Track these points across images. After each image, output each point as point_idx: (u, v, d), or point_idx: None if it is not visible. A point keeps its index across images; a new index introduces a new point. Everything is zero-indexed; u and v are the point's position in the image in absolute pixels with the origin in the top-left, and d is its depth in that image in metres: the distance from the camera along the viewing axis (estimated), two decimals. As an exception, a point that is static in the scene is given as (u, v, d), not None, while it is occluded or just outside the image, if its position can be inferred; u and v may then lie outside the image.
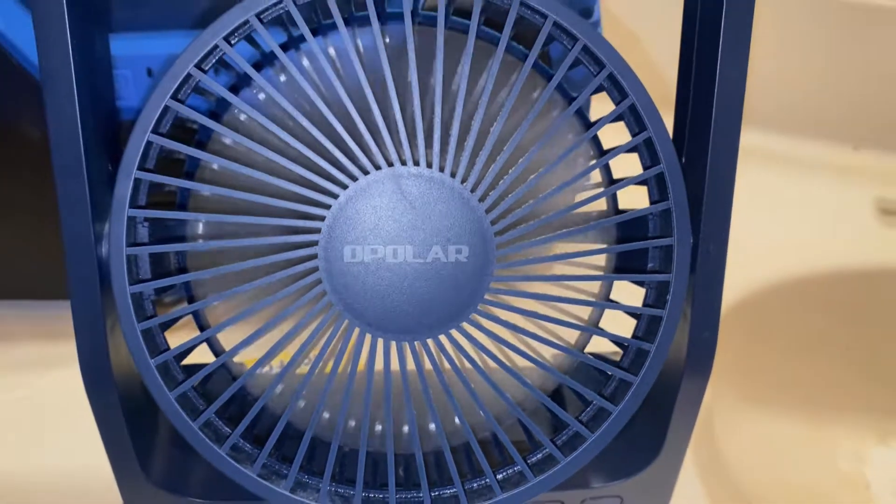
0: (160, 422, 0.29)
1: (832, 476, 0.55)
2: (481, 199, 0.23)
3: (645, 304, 0.26)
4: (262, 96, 0.25)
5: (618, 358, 0.27)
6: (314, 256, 0.23)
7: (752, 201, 0.58)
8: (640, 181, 0.25)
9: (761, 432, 0.53)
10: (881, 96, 0.60)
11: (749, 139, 0.66)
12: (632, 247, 0.25)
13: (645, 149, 0.25)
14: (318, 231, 0.23)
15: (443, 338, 0.24)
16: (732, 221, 0.56)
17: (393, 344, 0.24)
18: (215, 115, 0.25)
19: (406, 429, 0.27)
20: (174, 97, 0.23)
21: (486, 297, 0.24)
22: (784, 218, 0.57)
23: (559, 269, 0.25)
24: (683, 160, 0.26)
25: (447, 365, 0.25)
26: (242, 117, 0.25)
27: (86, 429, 0.38)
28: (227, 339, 0.27)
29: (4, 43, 0.34)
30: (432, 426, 0.27)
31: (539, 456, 0.26)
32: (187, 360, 0.26)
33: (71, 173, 0.23)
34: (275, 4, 0.23)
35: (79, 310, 0.24)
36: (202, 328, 0.27)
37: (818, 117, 0.63)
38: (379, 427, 0.27)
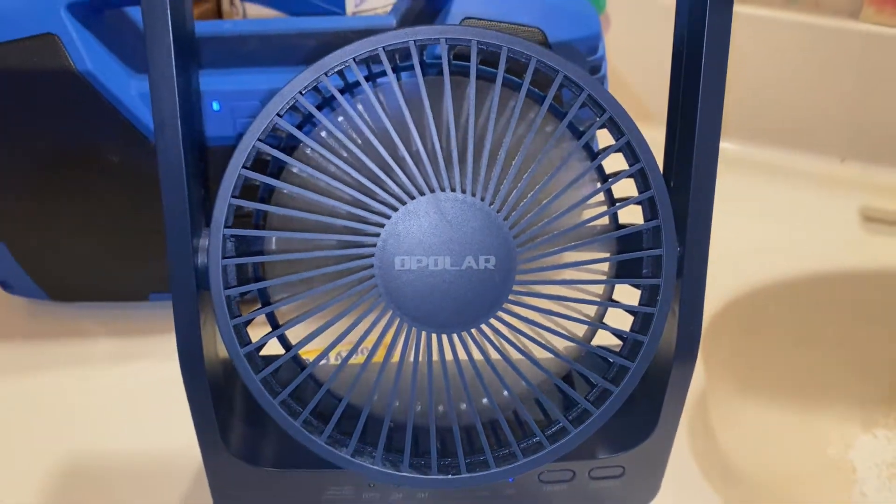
0: (235, 404, 0.35)
1: (821, 461, 0.60)
2: (505, 219, 0.29)
3: (640, 304, 0.31)
4: (324, 134, 0.31)
5: (618, 349, 0.32)
6: (371, 266, 0.29)
7: (748, 209, 0.64)
8: (635, 202, 0.30)
9: (755, 421, 0.58)
10: (866, 114, 0.65)
11: (746, 153, 0.72)
12: (629, 256, 0.30)
13: (639, 176, 0.30)
14: (374, 245, 0.29)
15: (474, 331, 0.30)
16: (724, 228, 0.61)
17: (434, 336, 0.30)
18: (289, 148, 0.31)
19: (441, 408, 0.33)
20: (260, 139, 0.28)
21: (510, 297, 0.29)
22: (776, 224, 0.62)
23: (570, 274, 0.31)
24: (671, 185, 0.32)
25: (478, 354, 0.30)
26: (308, 151, 0.31)
27: (157, 414, 0.43)
28: (293, 334, 0.33)
29: (96, 84, 0.40)
30: (464, 406, 0.32)
31: (553, 429, 0.32)
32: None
33: (176, 197, 0.28)
34: (340, 63, 0.28)
35: (179, 309, 0.30)
36: (274, 326, 0.33)
37: (808, 133, 0.68)
38: (419, 407, 0.33)
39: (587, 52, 0.44)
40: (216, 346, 0.33)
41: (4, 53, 0.39)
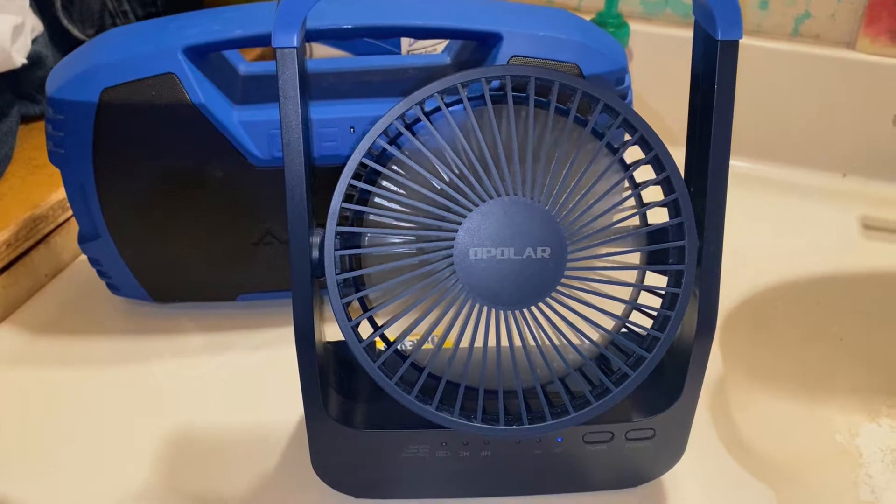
0: (330, 377, 0.42)
1: (829, 447, 0.66)
2: (558, 218, 0.36)
3: (668, 286, 0.38)
4: (407, 153, 0.38)
5: (650, 325, 0.40)
6: (451, 255, 0.36)
7: (761, 219, 0.70)
8: (662, 204, 0.37)
9: (767, 408, 0.65)
10: (866, 132, 0.72)
11: (759, 170, 0.79)
12: (658, 247, 0.37)
13: (665, 183, 0.37)
14: (453, 239, 0.36)
15: (534, 309, 0.37)
16: (740, 235, 0.69)
17: (501, 313, 0.37)
18: (385, 158, 0.38)
19: (511, 376, 0.40)
20: (365, 156, 0.36)
21: (562, 281, 0.37)
22: (783, 233, 0.68)
23: (610, 263, 0.38)
24: (691, 190, 0.39)
25: (537, 328, 0.37)
26: (395, 167, 0.38)
27: (246, 395, 0.51)
28: (383, 317, 0.40)
29: (206, 112, 0.47)
30: (530, 373, 0.39)
31: (598, 391, 0.39)
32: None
33: (299, 205, 0.36)
34: (427, 95, 0.36)
35: (298, 295, 0.37)
36: (365, 309, 0.40)
37: (813, 151, 0.75)
38: (490, 374, 0.40)
39: (615, 83, 0.52)
40: (321, 331, 0.40)
41: (133, 90, 0.47)
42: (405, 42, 0.65)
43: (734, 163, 0.71)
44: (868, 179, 0.73)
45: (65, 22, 0.67)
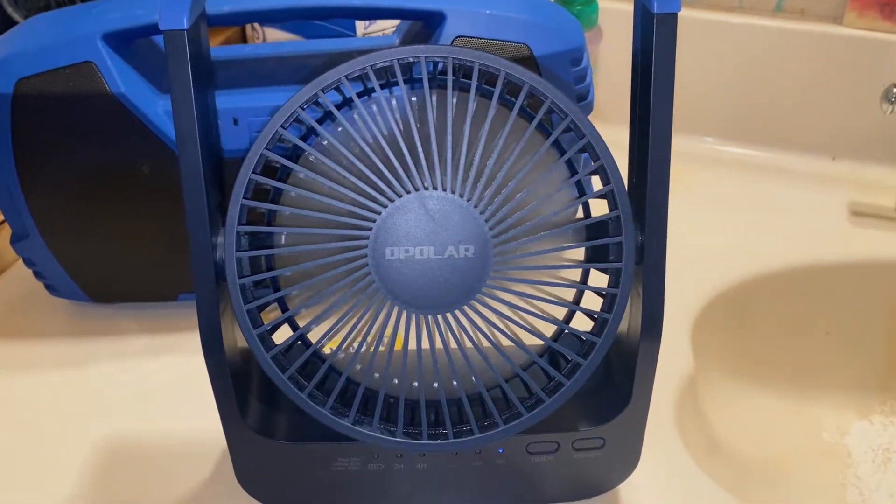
0: (252, 385, 0.39)
1: (815, 445, 0.63)
2: (481, 212, 0.33)
3: (608, 286, 0.35)
4: (325, 143, 0.35)
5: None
6: (365, 255, 0.33)
7: (741, 205, 0.67)
8: (597, 196, 0.34)
9: (747, 407, 0.61)
10: (857, 115, 0.68)
11: (743, 155, 0.75)
12: (591, 244, 0.34)
13: (602, 173, 0.34)
14: (367, 238, 0.33)
15: (458, 313, 0.34)
16: (719, 223, 0.64)
17: (421, 317, 0.34)
18: (292, 157, 0.35)
19: (435, 384, 0.37)
20: (266, 148, 0.33)
21: (488, 282, 0.33)
22: (766, 220, 0.65)
23: (542, 261, 0.34)
24: (634, 181, 0.35)
25: (462, 334, 0.34)
26: (311, 158, 0.35)
27: (186, 401, 0.48)
28: (304, 321, 0.37)
29: (126, 103, 0.45)
30: (454, 382, 0.36)
31: (531, 401, 0.36)
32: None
33: (196, 201, 0.33)
34: (334, 81, 0.33)
35: (201, 298, 0.34)
36: (291, 323, 0.37)
37: (799, 131, 0.71)
38: (415, 384, 0.37)
39: (571, 64, 0.48)
40: (235, 336, 0.37)
41: (49, 81, 0.44)
42: (360, 25, 0.62)
43: (712, 146, 0.68)
44: (858, 163, 0.69)
45: (9, 9, 0.64)
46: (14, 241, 0.51)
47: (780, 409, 0.63)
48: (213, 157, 0.34)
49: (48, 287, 0.54)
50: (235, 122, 0.46)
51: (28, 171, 0.47)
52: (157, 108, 0.45)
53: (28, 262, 0.52)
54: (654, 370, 0.37)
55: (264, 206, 0.33)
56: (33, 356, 0.53)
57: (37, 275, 0.53)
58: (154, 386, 0.50)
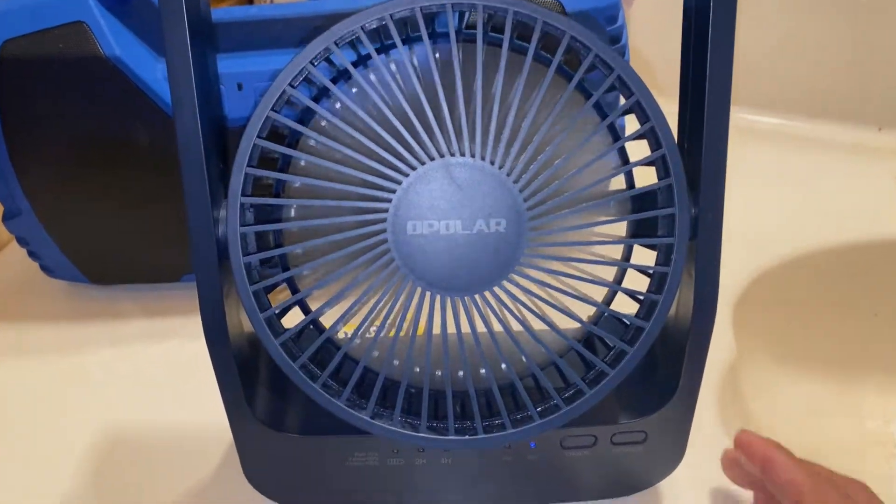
0: (260, 374, 0.36)
1: (859, 434, 0.59)
2: (515, 181, 0.29)
3: (656, 264, 0.31)
4: (338, 105, 0.32)
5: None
6: (384, 231, 0.29)
7: (778, 180, 0.63)
8: (646, 163, 0.30)
9: (789, 393, 0.57)
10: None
11: (784, 126, 0.70)
12: (640, 216, 0.30)
13: (651, 136, 0.30)
14: (386, 210, 0.29)
15: (488, 294, 0.30)
16: (759, 199, 0.60)
17: (448, 300, 0.30)
18: (302, 122, 0.31)
19: (461, 373, 0.33)
20: (273, 109, 0.29)
21: (522, 260, 0.30)
22: (808, 195, 0.61)
23: (582, 236, 0.31)
24: (685, 147, 0.32)
25: (493, 318, 0.31)
26: (324, 123, 0.32)
27: (189, 389, 0.45)
28: (316, 303, 0.33)
29: (122, 66, 0.41)
30: (483, 371, 0.33)
31: (569, 393, 0.32)
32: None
33: (195, 171, 0.29)
34: (349, 33, 0.29)
35: (202, 279, 0.31)
36: (304, 308, 0.33)
37: (843, 101, 0.66)
38: (439, 372, 0.33)
39: (606, 22, 0.44)
40: (241, 320, 0.34)
41: (37, 42, 0.40)
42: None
43: (752, 118, 0.63)
44: (907, 133, 0.65)
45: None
46: (6, 218, 0.47)
47: (822, 395, 0.59)
48: (213, 124, 0.31)
49: (44, 268, 0.51)
50: (240, 87, 0.42)
51: (18, 141, 0.43)
52: (155, 73, 0.42)
53: (21, 241, 0.49)
54: (705, 358, 0.33)
55: (271, 174, 0.30)
56: (28, 341, 0.50)
57: (31, 255, 0.50)
58: (155, 372, 0.47)
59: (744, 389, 0.51)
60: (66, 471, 0.41)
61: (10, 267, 0.55)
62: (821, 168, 0.64)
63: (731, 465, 0.38)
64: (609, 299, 0.33)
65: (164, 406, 0.45)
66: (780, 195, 0.61)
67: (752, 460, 0.36)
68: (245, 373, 0.34)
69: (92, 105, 0.42)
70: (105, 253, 0.49)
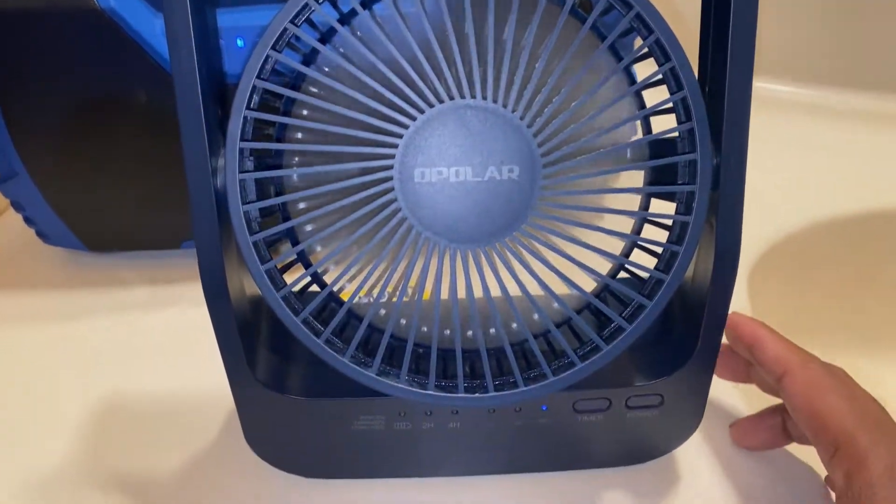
0: (262, 335, 0.35)
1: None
2: (529, 125, 0.28)
3: (676, 213, 0.30)
4: (342, 50, 0.30)
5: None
6: (390, 178, 0.28)
7: (803, 146, 0.61)
8: (666, 105, 0.29)
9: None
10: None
11: (798, 93, 0.68)
12: (660, 162, 0.29)
13: (672, 78, 0.29)
14: (392, 157, 0.28)
15: (499, 245, 0.29)
16: (783, 164, 0.58)
17: (456, 251, 0.29)
18: (306, 63, 0.30)
19: (470, 332, 0.32)
20: (274, 48, 0.27)
21: (536, 209, 0.28)
22: (832, 160, 0.59)
23: (599, 185, 0.29)
24: (706, 90, 0.30)
25: (504, 271, 0.29)
26: (325, 68, 0.30)
27: (190, 357, 0.43)
28: (318, 258, 0.32)
29: (118, 19, 0.39)
30: (493, 330, 0.31)
31: (585, 350, 0.31)
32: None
33: (192, 116, 0.28)
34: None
35: (201, 233, 0.29)
36: (306, 263, 0.32)
37: (869, 70, 0.64)
38: (448, 331, 0.32)
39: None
40: (242, 280, 0.32)
41: (28, -7, 0.39)
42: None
43: (773, 87, 0.61)
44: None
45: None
46: (0, 181, 0.46)
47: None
48: (213, 78, 0.29)
49: (40, 234, 0.49)
50: (240, 42, 0.41)
51: (10, 100, 0.42)
52: (153, 28, 0.40)
53: (17, 206, 0.47)
54: (726, 316, 0.32)
55: (272, 117, 0.28)
56: (25, 309, 0.48)
57: (27, 220, 0.48)
58: (155, 341, 0.46)
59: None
60: (62, 440, 0.40)
61: (6, 234, 0.54)
62: (842, 135, 0.62)
63: (721, 359, 0.37)
64: (626, 252, 0.32)
65: (164, 374, 0.44)
66: (797, 163, 0.59)
67: (741, 339, 0.36)
68: (246, 333, 0.32)
69: (86, 61, 0.41)
70: (103, 219, 0.48)
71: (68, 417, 0.41)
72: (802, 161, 0.59)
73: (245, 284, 0.33)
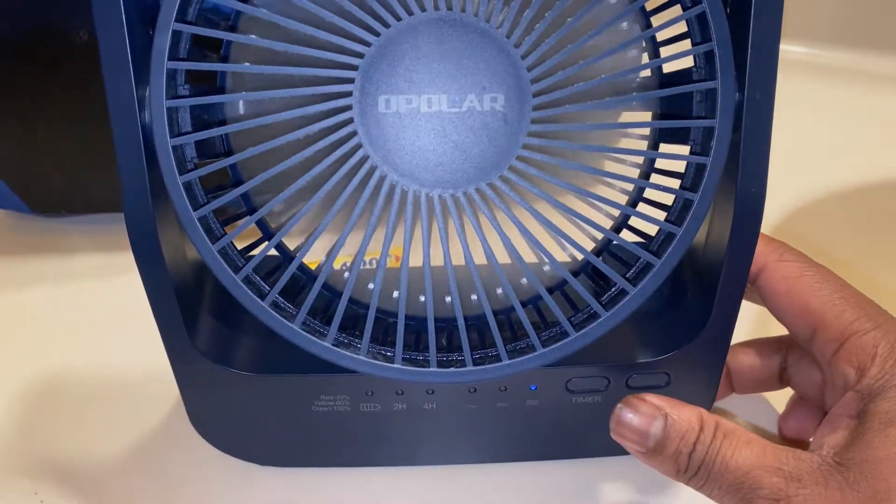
0: (206, 300, 0.30)
1: None
2: (517, 45, 0.23)
3: (691, 154, 0.25)
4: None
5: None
6: (349, 108, 0.23)
7: (821, 112, 0.56)
8: (676, 38, 0.24)
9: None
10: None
11: (810, 54, 0.63)
12: (672, 91, 0.24)
13: (688, -3, 0.24)
14: (351, 81, 0.23)
15: (479, 191, 0.24)
16: (802, 130, 0.53)
17: (427, 197, 0.24)
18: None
19: (448, 299, 0.27)
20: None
21: (524, 146, 0.24)
22: (851, 127, 0.55)
23: (599, 118, 0.25)
24: (728, 10, 0.25)
25: (487, 222, 0.24)
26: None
27: (142, 331, 0.39)
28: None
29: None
30: (474, 296, 0.27)
31: (582, 317, 0.26)
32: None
33: (111, 33, 0.23)
34: None
35: (127, 178, 0.24)
36: (251, 211, 0.27)
37: (882, 28, 0.60)
38: (422, 298, 0.27)
39: None
40: (183, 242, 0.28)
41: None
42: None
43: (790, 48, 0.55)
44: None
45: None
46: (-69, 134, 0.41)
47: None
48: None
49: (-21, 195, 0.45)
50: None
51: (-66, 38, 0.37)
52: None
53: (-49, 163, 0.42)
54: (745, 282, 0.27)
55: (205, 31, 0.23)
56: (-39, 276, 0.44)
57: (-37, 179, 0.44)
58: (105, 312, 0.42)
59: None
60: (-7, 420, 0.35)
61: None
62: (864, 100, 0.58)
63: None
64: (630, 205, 0.27)
65: (111, 349, 0.39)
66: (814, 129, 0.54)
67: None
68: (186, 298, 0.28)
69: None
70: (48, 177, 0.43)
71: (4, 394, 0.36)
72: (820, 126, 0.55)
73: (187, 248, 0.28)
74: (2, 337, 0.40)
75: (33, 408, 0.36)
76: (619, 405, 0.27)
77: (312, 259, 0.27)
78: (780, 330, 0.32)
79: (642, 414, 0.27)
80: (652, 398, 0.27)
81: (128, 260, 0.44)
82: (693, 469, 0.26)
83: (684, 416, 0.26)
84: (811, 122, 0.55)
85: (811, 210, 0.49)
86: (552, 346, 0.25)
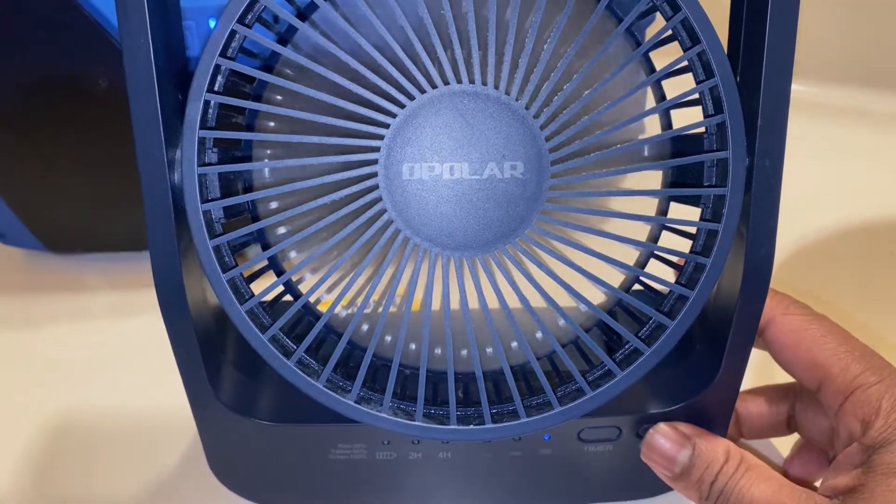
0: (228, 352, 0.31)
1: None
2: (536, 116, 0.24)
3: (701, 219, 0.26)
4: (321, 27, 0.26)
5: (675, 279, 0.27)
6: (374, 175, 0.24)
7: (826, 151, 0.57)
8: (692, 96, 0.25)
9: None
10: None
11: (813, 93, 0.64)
12: (686, 161, 0.25)
13: (699, 64, 0.25)
14: (377, 150, 0.24)
15: (499, 254, 0.25)
16: (807, 169, 0.54)
17: (449, 260, 0.25)
18: (280, 41, 0.26)
19: (465, 352, 0.28)
20: (242, 22, 0.24)
21: (542, 212, 0.24)
22: (855, 165, 0.55)
23: (614, 185, 0.26)
24: (738, 79, 0.26)
25: (505, 283, 0.25)
26: (303, 48, 0.26)
27: (157, 371, 0.39)
28: (292, 265, 0.28)
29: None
30: (489, 349, 0.28)
31: (597, 374, 0.27)
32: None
33: (144, 98, 0.24)
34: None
35: (154, 234, 0.25)
36: (278, 270, 0.28)
37: (882, 68, 0.61)
38: (439, 350, 0.28)
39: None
40: (205, 288, 0.28)
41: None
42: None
43: (794, 87, 0.56)
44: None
45: None
46: (-50, 175, 0.42)
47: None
48: (173, 57, 0.25)
49: (-3, 234, 0.45)
50: (213, 23, 0.37)
51: (-43, 82, 0.38)
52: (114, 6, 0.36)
53: (-31, 202, 0.43)
54: (754, 335, 0.28)
55: (239, 102, 0.24)
56: (-22, 314, 0.44)
57: (-18, 218, 0.44)
58: (119, 352, 0.42)
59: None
60: (9, 461, 0.36)
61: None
62: (867, 139, 0.59)
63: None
64: (641, 263, 0.28)
65: (126, 390, 0.40)
66: (820, 167, 0.55)
67: None
68: (209, 349, 0.28)
69: (40, 42, 0.37)
70: (64, 216, 0.44)
71: (18, 435, 0.37)
72: (826, 165, 0.56)
73: (209, 296, 0.29)
74: (17, 375, 0.41)
75: (47, 448, 0.37)
76: (651, 430, 0.29)
77: (325, 300, 0.27)
78: (783, 373, 0.33)
79: (672, 441, 0.29)
80: (683, 427, 0.29)
81: (142, 299, 0.45)
82: (713, 497, 0.28)
83: (711, 447, 0.28)
84: (815, 162, 0.56)
85: (813, 249, 0.50)
86: (568, 405, 0.26)
